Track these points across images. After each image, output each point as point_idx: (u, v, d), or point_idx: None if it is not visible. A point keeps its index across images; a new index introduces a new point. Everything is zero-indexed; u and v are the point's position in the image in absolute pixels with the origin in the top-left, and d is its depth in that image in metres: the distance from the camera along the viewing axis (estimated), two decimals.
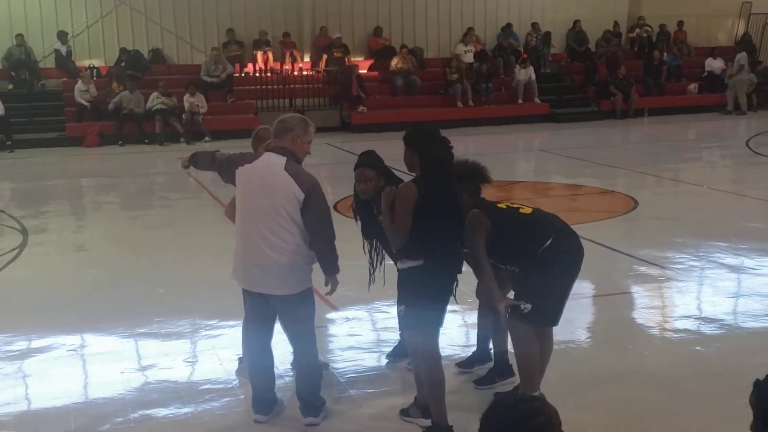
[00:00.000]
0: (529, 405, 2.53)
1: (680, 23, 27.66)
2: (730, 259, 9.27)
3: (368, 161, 5.71)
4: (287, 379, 6.05)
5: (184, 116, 21.31)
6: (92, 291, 8.76)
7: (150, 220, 12.91)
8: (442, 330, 5.26)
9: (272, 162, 5.26)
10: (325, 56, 23.79)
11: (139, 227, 12.37)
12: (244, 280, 5.37)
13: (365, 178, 5.67)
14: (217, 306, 7.67)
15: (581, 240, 5.51)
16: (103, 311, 7.93)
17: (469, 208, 5.31)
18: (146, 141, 20.96)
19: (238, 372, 6.19)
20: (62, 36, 22.57)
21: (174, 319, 7.57)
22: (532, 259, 5.28)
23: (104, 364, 6.65)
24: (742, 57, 24.83)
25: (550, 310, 5.36)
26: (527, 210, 5.52)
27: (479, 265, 5.35)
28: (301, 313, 5.39)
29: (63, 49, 22.56)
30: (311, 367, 5.51)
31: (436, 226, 5.01)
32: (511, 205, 5.58)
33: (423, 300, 5.05)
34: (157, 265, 9.80)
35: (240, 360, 6.20)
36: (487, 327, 6.05)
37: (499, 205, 5.54)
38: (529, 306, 5.27)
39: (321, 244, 5.31)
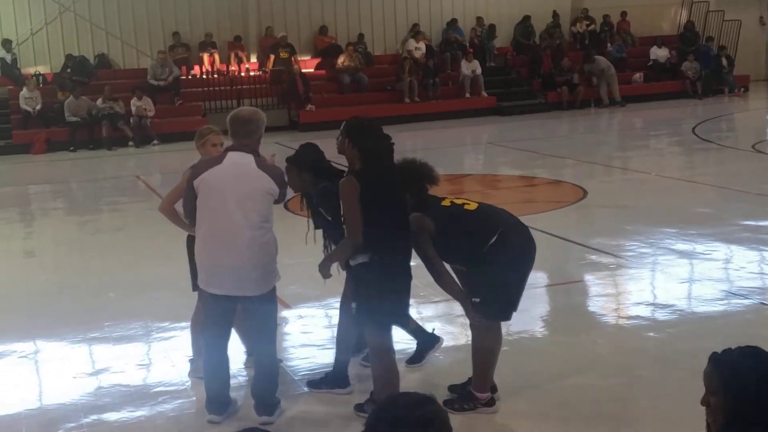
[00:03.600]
0: (425, 411, 2.53)
1: (623, 13, 27.92)
2: (681, 245, 9.37)
3: (290, 157, 5.78)
4: (240, 378, 6.00)
5: (132, 120, 21.08)
6: (42, 297, 8.61)
7: (100, 224, 12.74)
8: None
9: (241, 161, 5.22)
10: (272, 56, 23.69)
11: (88, 232, 12.19)
12: (218, 285, 5.25)
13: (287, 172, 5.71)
14: (168, 308, 7.57)
15: (533, 232, 5.49)
16: (54, 316, 7.80)
17: (412, 209, 5.25)
18: (90, 146, 20.67)
19: (191, 373, 6.13)
20: (6, 44, 22.22)
21: (125, 323, 7.46)
22: (478, 258, 5.23)
23: (56, 369, 6.56)
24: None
25: (500, 304, 5.31)
26: (472, 206, 5.39)
27: (433, 267, 5.29)
28: (268, 311, 5.37)
29: (8, 57, 22.22)
30: (272, 366, 5.47)
31: (379, 220, 4.98)
32: (456, 201, 5.44)
33: (373, 295, 5.03)
34: (107, 269, 9.64)
35: (191, 361, 6.14)
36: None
37: (443, 202, 5.41)
38: (477, 299, 5.26)
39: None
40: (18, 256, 10.95)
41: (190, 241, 5.89)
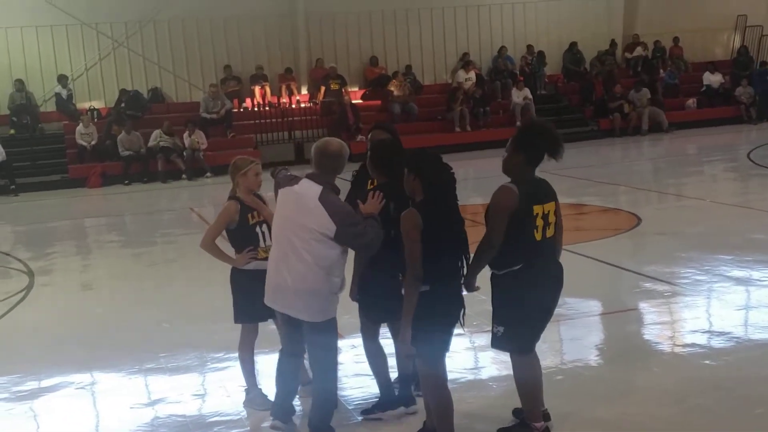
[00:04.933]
0: None
1: (676, 39, 27.75)
2: (736, 272, 9.24)
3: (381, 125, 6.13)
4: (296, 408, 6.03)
5: (185, 153, 21.38)
6: (99, 329, 8.75)
7: (154, 256, 12.93)
8: (449, 354, 5.24)
9: (308, 191, 5.23)
10: (323, 88, 23.92)
11: (143, 264, 12.36)
12: (268, 297, 5.42)
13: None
14: (223, 338, 7.60)
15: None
16: (111, 348, 7.92)
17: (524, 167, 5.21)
18: (144, 180, 21.00)
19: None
20: (62, 79, 22.72)
21: (181, 354, 7.55)
22: (496, 274, 5.22)
23: (113, 400, 6.66)
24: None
25: (521, 335, 5.25)
26: (538, 236, 5.19)
27: (490, 242, 5.13)
28: (323, 342, 5.39)
29: (63, 93, 22.71)
30: (328, 395, 5.49)
31: (440, 251, 4.97)
32: (538, 222, 5.19)
33: (429, 325, 5.01)
34: (162, 301, 9.78)
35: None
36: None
37: (536, 208, 5.18)
38: (501, 329, 5.23)
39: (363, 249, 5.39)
40: (75, 288, 11.15)
41: (235, 274, 5.99)
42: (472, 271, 5.22)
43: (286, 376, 5.60)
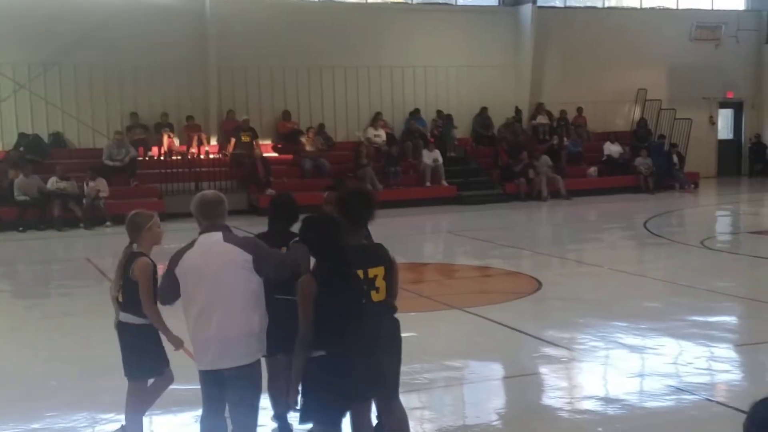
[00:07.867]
0: None
1: (579, 109, 28.56)
2: (631, 339, 9.42)
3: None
4: None
5: (84, 201, 20.84)
6: None
7: (46, 309, 12.42)
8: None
9: (212, 240, 5.31)
10: (233, 139, 23.78)
11: (34, 317, 11.85)
12: (206, 360, 5.27)
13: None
14: (114, 398, 7.33)
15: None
16: None
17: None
18: (41, 227, 20.30)
19: None
20: None
21: (69, 414, 7.26)
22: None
23: None
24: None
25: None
26: (377, 297, 5.36)
27: None
28: (248, 388, 5.28)
29: None
30: None
31: (334, 317, 4.91)
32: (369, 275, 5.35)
33: (322, 393, 4.92)
34: (53, 356, 9.38)
35: None
36: None
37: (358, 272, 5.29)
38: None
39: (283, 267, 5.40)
40: None
41: (127, 328, 5.96)
42: None
43: None
